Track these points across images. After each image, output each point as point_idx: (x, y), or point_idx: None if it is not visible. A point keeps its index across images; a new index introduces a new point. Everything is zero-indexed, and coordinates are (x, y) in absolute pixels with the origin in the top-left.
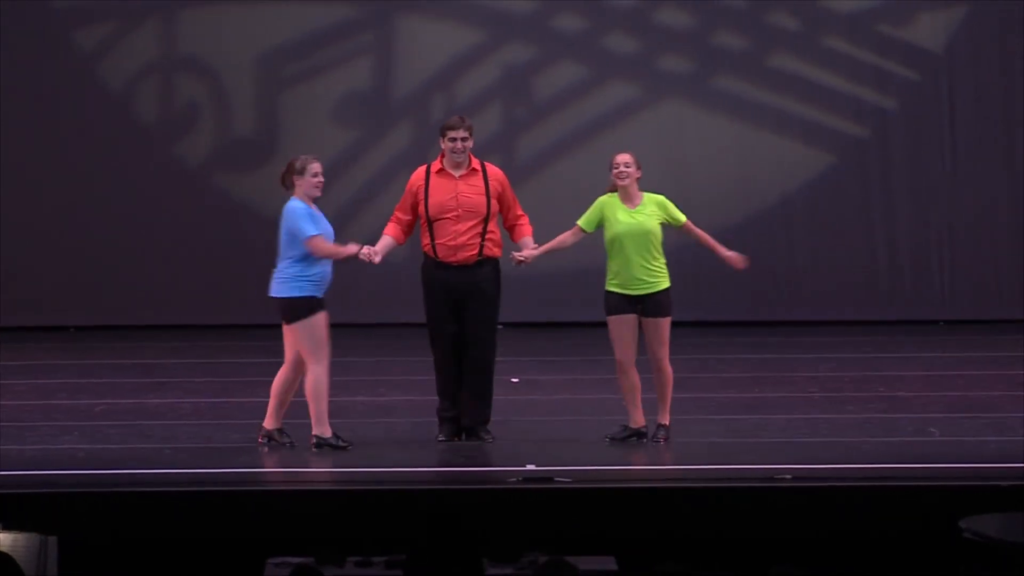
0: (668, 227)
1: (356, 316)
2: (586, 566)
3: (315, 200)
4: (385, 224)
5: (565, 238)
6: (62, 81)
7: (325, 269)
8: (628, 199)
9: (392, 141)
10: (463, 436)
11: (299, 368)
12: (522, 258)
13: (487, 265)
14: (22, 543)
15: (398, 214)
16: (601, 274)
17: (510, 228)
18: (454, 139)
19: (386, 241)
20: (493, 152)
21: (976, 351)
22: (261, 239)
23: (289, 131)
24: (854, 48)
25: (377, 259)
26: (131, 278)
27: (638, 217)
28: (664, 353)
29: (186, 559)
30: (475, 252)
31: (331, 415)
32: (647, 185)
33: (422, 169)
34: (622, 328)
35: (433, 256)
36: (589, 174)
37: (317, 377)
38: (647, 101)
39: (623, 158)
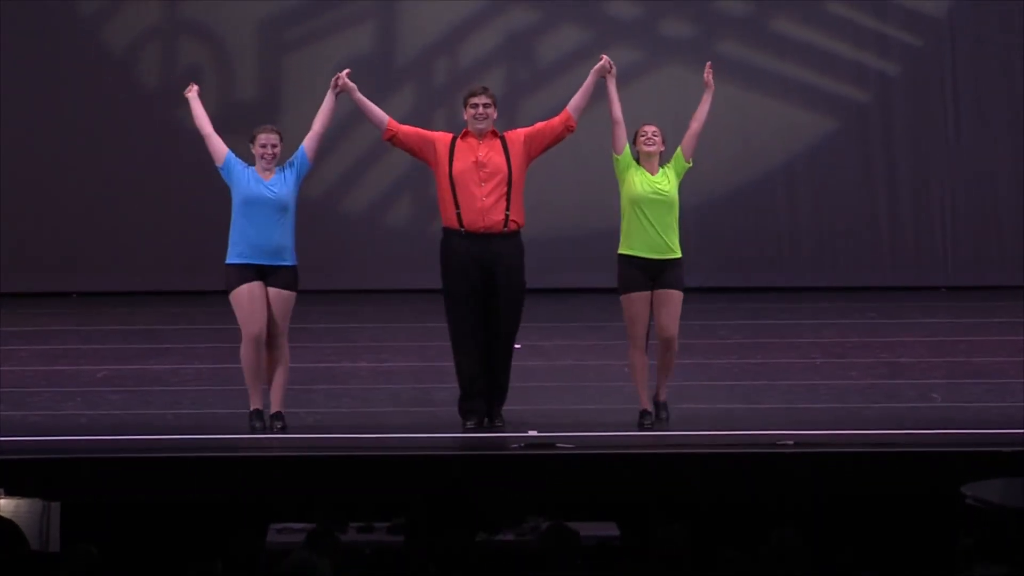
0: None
1: (359, 282)
2: (588, 532)
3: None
4: (383, 192)
5: (615, 109)
6: (64, 46)
7: (251, 233)
8: (651, 166)
9: (395, 106)
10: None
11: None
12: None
13: (512, 238)
14: (25, 509)
15: (406, 125)
16: (602, 239)
17: (562, 118)
18: (476, 105)
19: (380, 115)
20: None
21: (978, 317)
22: None
23: (291, 96)
24: (856, 13)
25: (341, 80)
26: (133, 244)
27: (658, 184)
28: (675, 330)
29: (188, 525)
30: (500, 218)
31: (335, 380)
32: None
33: (450, 134)
34: (638, 306)
35: (457, 227)
36: (591, 139)
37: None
38: (649, 66)
39: (651, 128)
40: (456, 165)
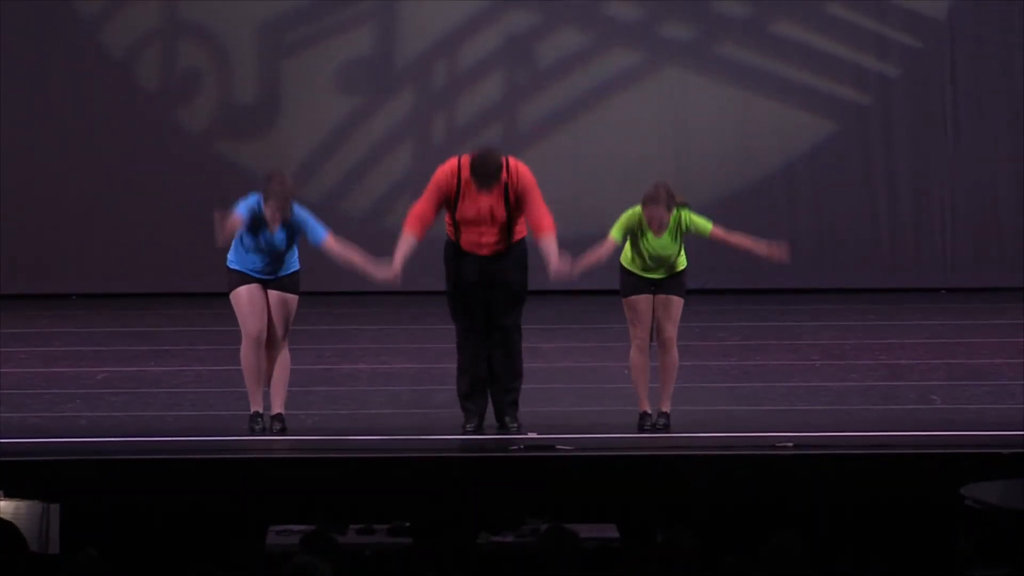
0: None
1: (359, 284)
2: (587, 534)
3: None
4: (384, 193)
5: (602, 254)
6: (64, 48)
7: (250, 261)
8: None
9: (394, 108)
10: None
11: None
12: (558, 273)
13: (514, 250)
14: (24, 511)
15: (424, 208)
16: (601, 241)
17: (531, 227)
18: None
19: (408, 244)
20: (494, 120)
21: (978, 319)
22: None
23: (291, 98)
24: (856, 15)
25: (398, 280)
26: (133, 245)
27: (664, 240)
28: (674, 333)
29: (188, 527)
30: (501, 245)
31: (335, 382)
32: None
33: (452, 167)
34: (640, 307)
35: (456, 243)
36: (591, 141)
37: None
38: (649, 68)
39: (657, 213)
40: (459, 210)
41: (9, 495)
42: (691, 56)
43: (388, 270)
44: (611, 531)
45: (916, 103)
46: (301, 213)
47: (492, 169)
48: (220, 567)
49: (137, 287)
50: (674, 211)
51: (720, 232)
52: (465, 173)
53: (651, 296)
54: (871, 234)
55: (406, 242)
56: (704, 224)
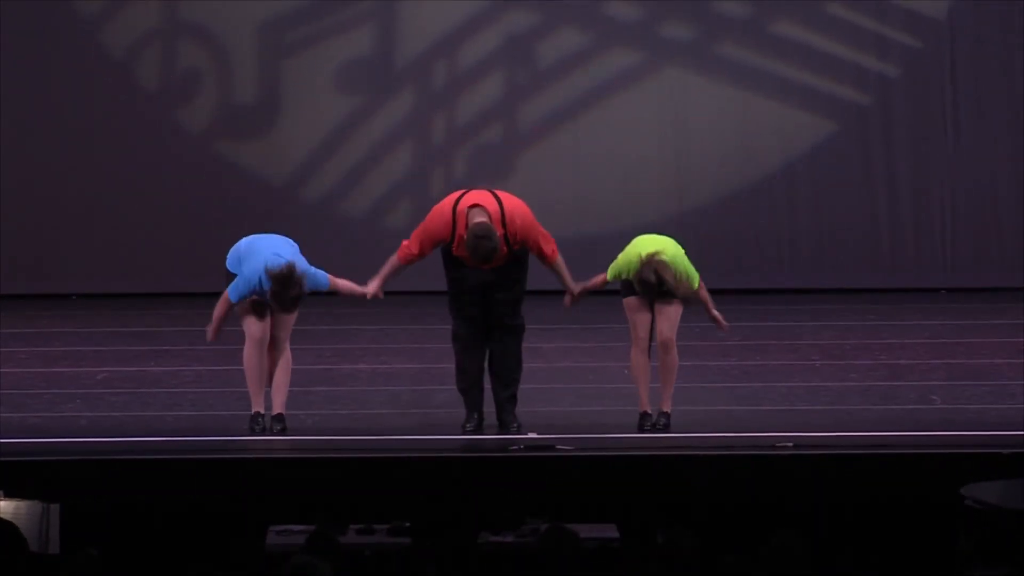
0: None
1: (358, 284)
2: (587, 534)
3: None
4: (384, 193)
5: (594, 283)
6: (63, 48)
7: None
8: None
9: (394, 108)
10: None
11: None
12: (573, 299)
13: (513, 256)
14: (24, 511)
15: (412, 249)
16: (603, 241)
17: (540, 259)
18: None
19: (393, 267)
20: (494, 120)
21: (978, 319)
22: (263, 206)
23: (291, 98)
24: (856, 15)
25: (379, 293)
26: (133, 245)
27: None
28: (673, 335)
29: (188, 527)
30: (501, 263)
31: (334, 382)
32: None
33: (447, 218)
34: (641, 308)
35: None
36: (590, 141)
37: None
38: (649, 68)
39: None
40: (457, 252)
41: (9, 495)
42: (691, 56)
43: (369, 287)
44: (611, 531)
45: (916, 103)
46: (306, 274)
47: (488, 254)
48: (220, 567)
49: (137, 287)
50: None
51: (702, 292)
52: (460, 228)
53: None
54: (871, 234)
55: (392, 264)
56: (693, 279)
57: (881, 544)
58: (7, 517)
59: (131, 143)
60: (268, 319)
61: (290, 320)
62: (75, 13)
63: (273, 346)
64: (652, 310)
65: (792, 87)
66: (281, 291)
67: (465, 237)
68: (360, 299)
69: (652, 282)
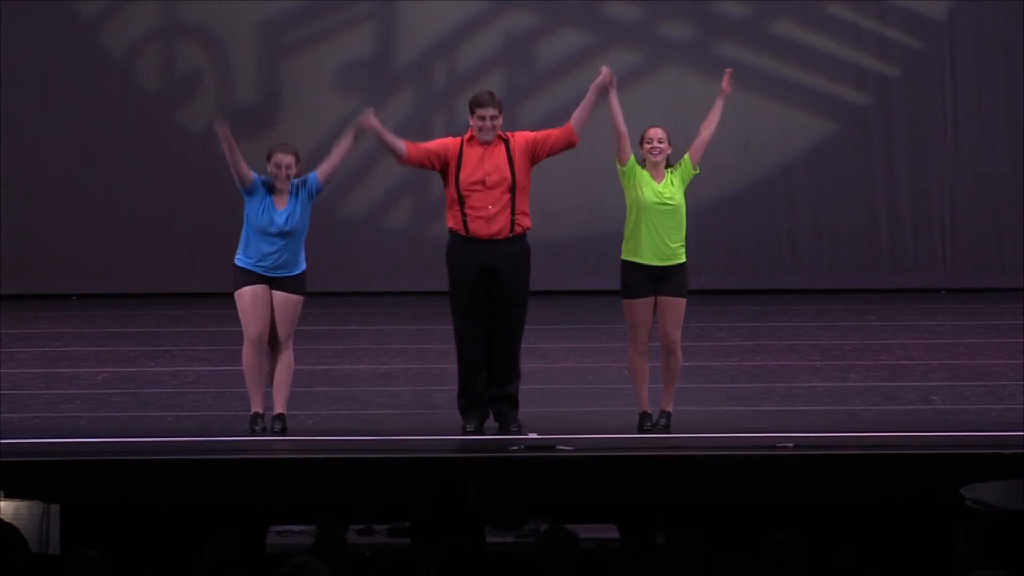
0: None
1: (359, 284)
2: (587, 534)
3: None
4: (383, 194)
5: (619, 121)
6: (63, 49)
7: (259, 252)
8: (657, 173)
9: (394, 108)
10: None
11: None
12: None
13: (518, 243)
14: (24, 511)
15: (420, 144)
16: (604, 242)
17: (564, 132)
18: (483, 117)
19: (399, 145)
20: None
21: (978, 319)
22: None
23: (291, 98)
24: (856, 15)
25: (368, 123)
26: (133, 246)
27: (665, 192)
28: (678, 336)
29: (188, 527)
30: (506, 224)
31: (334, 383)
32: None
33: (456, 139)
34: (641, 311)
35: (464, 233)
36: (593, 141)
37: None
38: (649, 68)
39: (656, 133)
40: (462, 175)
41: (9, 495)
42: (691, 56)
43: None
44: (611, 531)
45: (916, 103)
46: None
47: (490, 94)
48: (220, 567)
49: (137, 287)
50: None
51: (696, 145)
52: (467, 138)
53: (652, 299)
54: (871, 234)
55: (399, 142)
56: (686, 158)
57: (881, 544)
58: (7, 517)
59: (131, 143)
60: (267, 319)
61: (291, 320)
62: (75, 13)
63: (274, 346)
64: (653, 310)
65: (792, 87)
66: (279, 156)
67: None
68: (351, 141)
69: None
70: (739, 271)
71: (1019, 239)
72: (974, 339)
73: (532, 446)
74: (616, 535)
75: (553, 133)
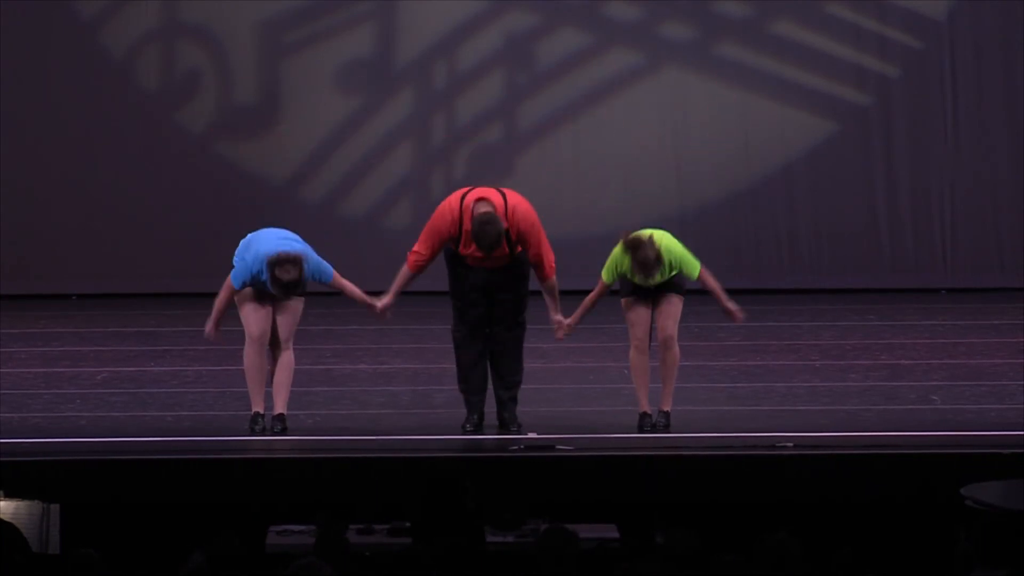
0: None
1: (359, 284)
2: (587, 534)
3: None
4: (383, 194)
5: (595, 297)
6: (62, 49)
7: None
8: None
9: (394, 108)
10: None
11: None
12: (562, 333)
13: (517, 259)
14: (24, 511)
15: (421, 252)
16: (601, 242)
17: (533, 267)
18: (477, 255)
19: (405, 277)
20: (494, 120)
21: (978, 319)
22: (263, 206)
23: (291, 98)
24: (856, 15)
25: (388, 312)
26: (133, 246)
27: (652, 283)
28: (675, 331)
29: (188, 527)
30: (505, 262)
31: (334, 383)
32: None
33: (454, 214)
34: (639, 309)
35: (460, 255)
36: (590, 141)
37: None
38: (649, 68)
39: (648, 260)
40: (462, 250)
41: (9, 495)
42: (691, 56)
43: (381, 301)
44: (611, 531)
45: (916, 103)
46: (309, 261)
47: (493, 241)
48: (220, 567)
49: (137, 287)
50: (663, 262)
51: (706, 275)
52: (466, 223)
53: (649, 297)
54: (871, 234)
55: (404, 275)
56: (693, 269)
57: (881, 544)
58: (7, 517)
59: (131, 143)
60: (268, 319)
61: (293, 320)
62: (75, 13)
63: (275, 346)
64: (651, 308)
65: (792, 87)
66: (280, 274)
67: (471, 228)
68: (365, 308)
69: (636, 259)
70: (739, 271)
71: (1019, 239)
72: (974, 339)
73: (532, 446)
74: (616, 535)
75: (536, 258)
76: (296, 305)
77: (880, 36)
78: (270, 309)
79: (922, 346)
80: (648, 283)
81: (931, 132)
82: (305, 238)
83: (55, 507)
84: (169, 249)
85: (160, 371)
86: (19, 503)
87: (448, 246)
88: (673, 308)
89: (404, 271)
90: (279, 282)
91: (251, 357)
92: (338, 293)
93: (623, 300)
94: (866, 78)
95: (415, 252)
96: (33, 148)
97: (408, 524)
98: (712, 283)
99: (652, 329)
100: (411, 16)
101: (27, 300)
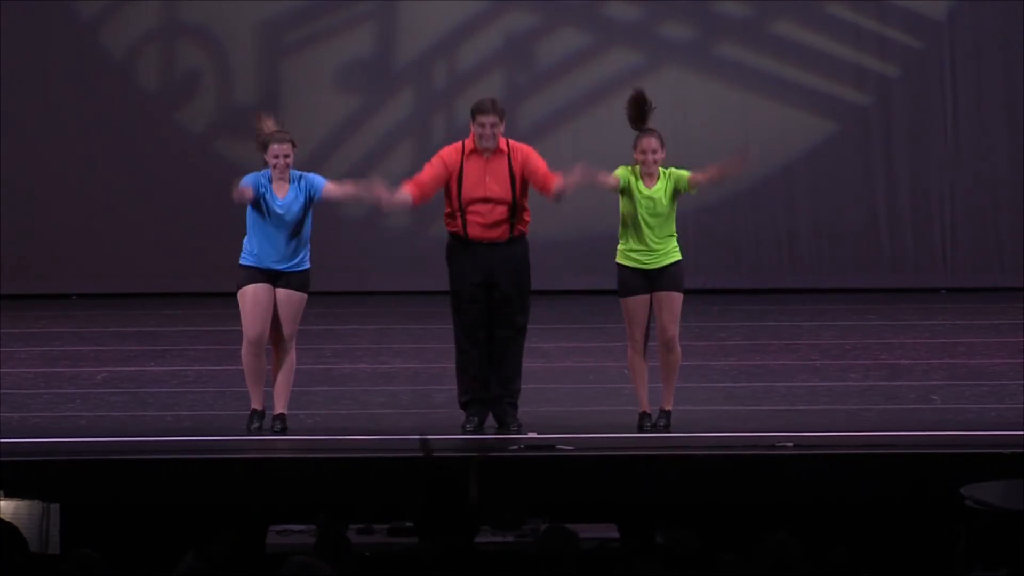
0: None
1: (359, 284)
2: (587, 534)
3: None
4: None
5: (608, 179)
6: (62, 49)
7: (263, 245)
8: (649, 179)
9: (394, 108)
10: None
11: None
12: (563, 187)
13: (517, 244)
14: (24, 511)
15: (423, 179)
16: (601, 241)
17: (542, 191)
18: (483, 124)
19: (403, 196)
20: None
21: (977, 319)
22: None
23: (291, 98)
24: (856, 15)
25: (384, 200)
26: (133, 246)
27: (656, 195)
28: (676, 331)
29: (188, 527)
30: (506, 230)
31: (334, 382)
32: None
33: (457, 147)
34: (637, 309)
35: (463, 236)
36: (590, 141)
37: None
38: (649, 68)
39: (650, 144)
40: (464, 188)
41: (9, 495)
42: (691, 56)
43: (379, 189)
44: (611, 531)
45: (916, 103)
46: (304, 175)
47: (493, 99)
48: (219, 567)
49: (137, 287)
50: (663, 171)
51: (697, 177)
52: (469, 149)
53: (648, 296)
54: (871, 234)
55: (402, 193)
56: (684, 177)
57: (880, 544)
58: (7, 517)
59: (131, 143)
60: (267, 320)
61: (295, 317)
62: (75, 13)
63: (278, 346)
64: (651, 309)
65: (792, 87)
66: (274, 130)
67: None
68: (374, 203)
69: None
70: (739, 271)
71: (1019, 239)
72: (974, 339)
73: (532, 446)
74: (616, 535)
75: (541, 171)
76: (298, 301)
77: (880, 36)
78: (270, 310)
79: (922, 346)
80: (653, 202)
81: (931, 132)
82: None
83: (55, 507)
84: (169, 249)
85: (160, 371)
86: (19, 503)
87: (450, 215)
88: (673, 309)
89: (401, 190)
90: (274, 135)
91: (247, 358)
92: (338, 293)
93: (622, 300)
94: (866, 78)
95: (415, 177)
96: (33, 148)
97: (408, 524)
98: (706, 171)
99: (651, 329)
100: (411, 16)
101: (27, 300)
